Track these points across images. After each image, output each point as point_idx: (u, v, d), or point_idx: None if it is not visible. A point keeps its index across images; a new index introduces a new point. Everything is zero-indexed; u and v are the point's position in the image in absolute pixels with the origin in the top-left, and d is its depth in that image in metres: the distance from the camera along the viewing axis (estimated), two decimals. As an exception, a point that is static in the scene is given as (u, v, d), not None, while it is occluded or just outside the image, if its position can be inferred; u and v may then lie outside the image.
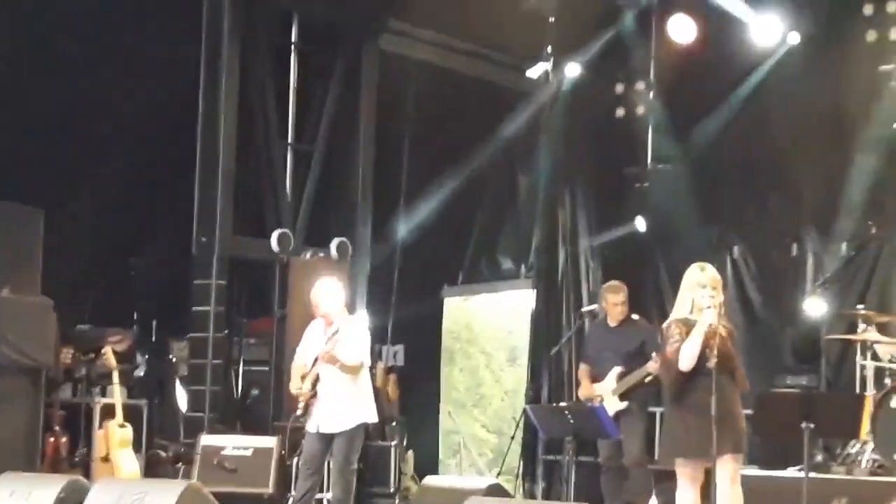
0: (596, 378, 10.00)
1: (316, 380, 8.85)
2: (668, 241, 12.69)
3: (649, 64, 12.53)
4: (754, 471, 9.19)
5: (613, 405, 9.80)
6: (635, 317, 10.26)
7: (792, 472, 8.96)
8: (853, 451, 9.20)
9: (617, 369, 9.85)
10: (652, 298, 12.61)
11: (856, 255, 11.75)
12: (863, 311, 9.86)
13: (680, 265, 12.52)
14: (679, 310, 7.34)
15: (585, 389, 10.05)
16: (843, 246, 11.91)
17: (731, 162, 12.32)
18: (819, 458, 9.34)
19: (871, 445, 8.99)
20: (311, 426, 8.78)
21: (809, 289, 11.65)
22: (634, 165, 12.69)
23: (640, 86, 12.59)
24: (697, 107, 12.19)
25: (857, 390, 9.73)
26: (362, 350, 8.89)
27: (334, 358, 8.64)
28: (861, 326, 9.66)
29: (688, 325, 7.18)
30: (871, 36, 11.14)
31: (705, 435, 6.82)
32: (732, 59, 11.93)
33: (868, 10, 11.20)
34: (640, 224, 12.56)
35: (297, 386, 8.89)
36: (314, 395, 8.81)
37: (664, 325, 7.46)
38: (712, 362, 6.98)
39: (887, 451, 8.80)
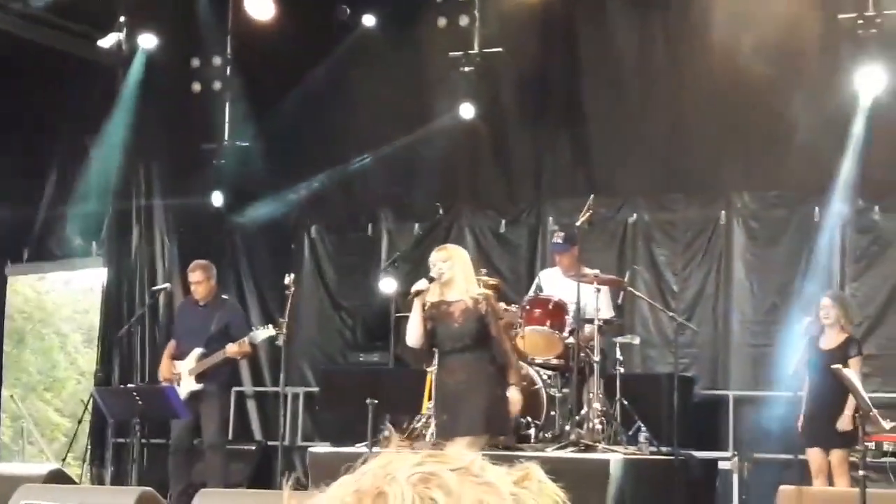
0: (179, 357, 9.76)
1: None
2: (247, 219, 12.60)
3: (226, 39, 12.35)
4: (324, 447, 9.25)
5: (189, 385, 9.60)
6: (225, 297, 10.10)
7: (360, 447, 9.06)
8: (419, 425, 9.40)
9: (199, 350, 9.65)
10: (229, 277, 12.49)
11: (426, 235, 12.11)
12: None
13: (258, 243, 12.64)
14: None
15: (165, 368, 9.79)
16: (416, 226, 12.25)
17: (310, 141, 12.35)
18: (386, 432, 9.51)
19: (434, 419, 9.22)
20: None
21: (382, 267, 11.88)
22: (211, 142, 12.47)
23: (217, 61, 12.38)
24: (276, 84, 12.14)
25: (427, 366, 9.99)
26: None
27: None
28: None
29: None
30: (442, 22, 11.48)
31: (444, 416, 6.84)
32: (312, 39, 11.95)
33: (440, -4, 11.56)
34: (218, 200, 12.38)
35: None
36: None
37: None
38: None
39: (450, 424, 9.05)
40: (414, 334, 7.32)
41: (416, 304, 7.29)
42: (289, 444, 11.34)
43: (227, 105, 12.44)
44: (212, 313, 9.83)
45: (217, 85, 12.39)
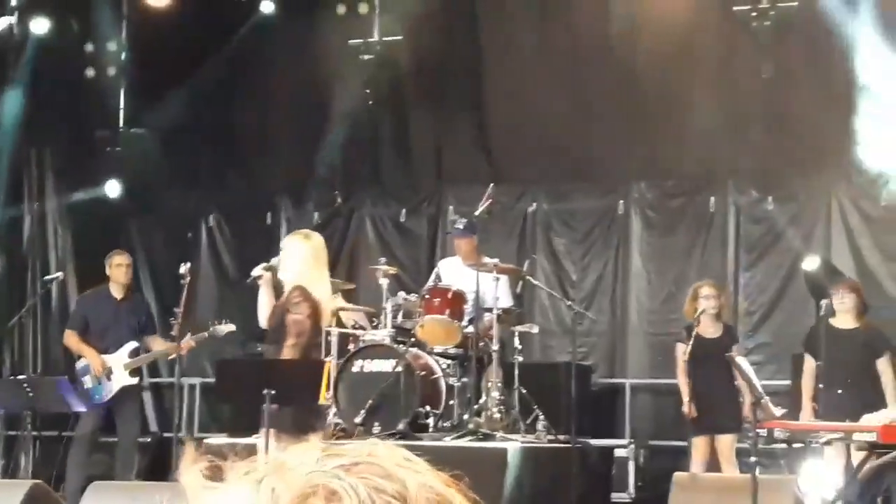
0: (105, 350, 9.55)
1: None
2: (143, 207, 12.41)
3: (121, 23, 12.13)
4: (220, 438, 9.14)
5: (123, 380, 9.46)
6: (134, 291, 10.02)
7: (257, 437, 8.97)
8: (317, 415, 9.33)
9: (133, 344, 9.50)
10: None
11: (325, 224, 12.04)
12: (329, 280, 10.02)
13: (154, 231, 12.45)
14: None
15: (99, 361, 9.50)
16: (315, 215, 12.17)
17: (208, 128, 12.20)
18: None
19: (333, 410, 9.17)
20: None
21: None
22: (106, 128, 12.24)
23: (112, 46, 12.15)
24: (173, 70, 11.95)
25: (324, 356, 9.91)
26: None
27: None
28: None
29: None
30: (342, 9, 11.40)
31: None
32: (210, 24, 11.79)
33: (338, -16, 11.48)
34: (112, 189, 12.16)
35: None
36: None
37: None
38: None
39: (349, 414, 9.02)
40: (260, 316, 7.34)
41: (262, 288, 7.27)
42: (185, 436, 11.19)
43: (123, 91, 12.21)
44: (131, 307, 9.71)
45: (112, 71, 12.16)
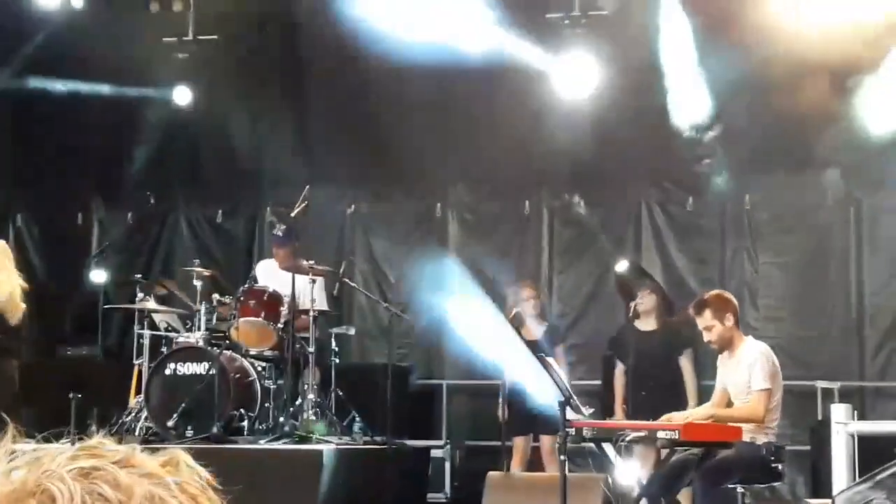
0: None
1: None
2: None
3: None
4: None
5: None
6: None
7: (64, 443, 8.72)
8: (127, 419, 9.13)
9: None
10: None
11: (141, 226, 11.81)
12: (141, 281, 9.84)
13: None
14: None
15: None
16: (129, 215, 11.93)
17: (15, 125, 11.85)
18: (94, 427, 9.18)
19: (144, 413, 8.98)
20: None
21: (92, 257, 11.50)
22: None
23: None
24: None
25: (136, 359, 9.71)
26: None
27: None
28: (139, 296, 9.62)
29: None
30: (155, 6, 11.17)
31: None
32: (16, 19, 11.41)
33: (153, -19, 11.25)
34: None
35: None
36: None
37: None
38: None
39: (161, 418, 8.84)
40: None
41: None
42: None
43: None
44: None
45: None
